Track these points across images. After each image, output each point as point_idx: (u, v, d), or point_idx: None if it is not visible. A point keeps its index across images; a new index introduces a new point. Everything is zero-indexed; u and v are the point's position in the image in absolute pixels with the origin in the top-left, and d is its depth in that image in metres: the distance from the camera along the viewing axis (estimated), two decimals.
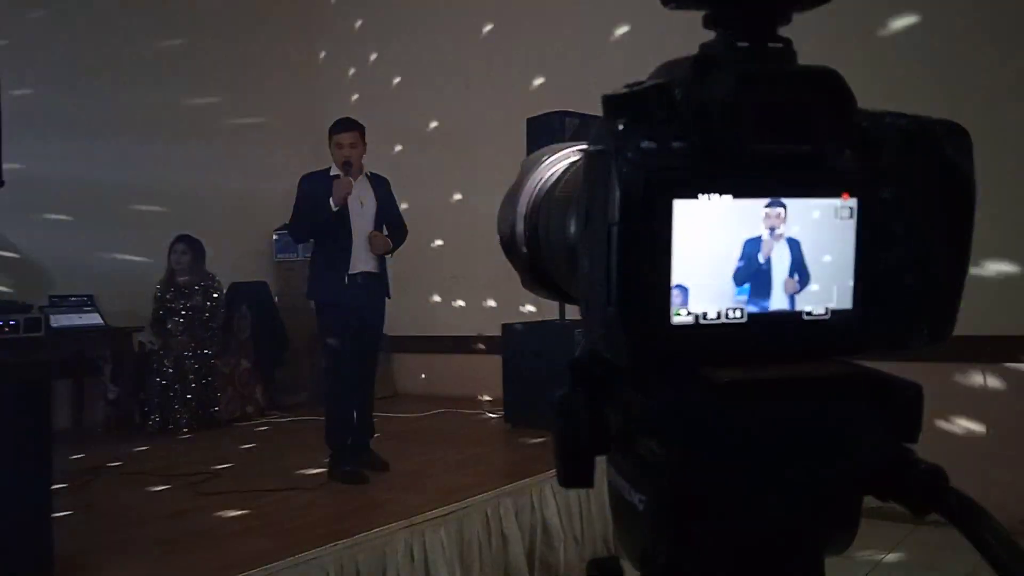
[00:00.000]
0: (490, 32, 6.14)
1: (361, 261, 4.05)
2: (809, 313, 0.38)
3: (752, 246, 0.37)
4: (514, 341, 5.01)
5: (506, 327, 5.10)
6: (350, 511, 3.37)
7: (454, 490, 3.51)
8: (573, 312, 4.40)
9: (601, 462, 0.42)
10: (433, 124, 6.52)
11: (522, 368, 4.82)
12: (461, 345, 6.24)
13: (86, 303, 5.58)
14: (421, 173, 6.02)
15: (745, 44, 0.37)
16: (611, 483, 0.42)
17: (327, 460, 3.96)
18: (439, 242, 6.32)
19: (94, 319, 5.54)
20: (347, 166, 3.97)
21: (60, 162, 5.59)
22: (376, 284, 4.11)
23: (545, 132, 4.55)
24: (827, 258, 0.38)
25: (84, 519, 3.37)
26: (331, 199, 3.91)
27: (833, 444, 0.37)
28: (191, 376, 5.44)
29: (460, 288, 6.26)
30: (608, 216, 0.36)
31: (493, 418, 5.37)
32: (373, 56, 6.88)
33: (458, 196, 6.31)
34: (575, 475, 0.41)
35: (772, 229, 0.37)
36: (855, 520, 0.39)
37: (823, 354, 0.39)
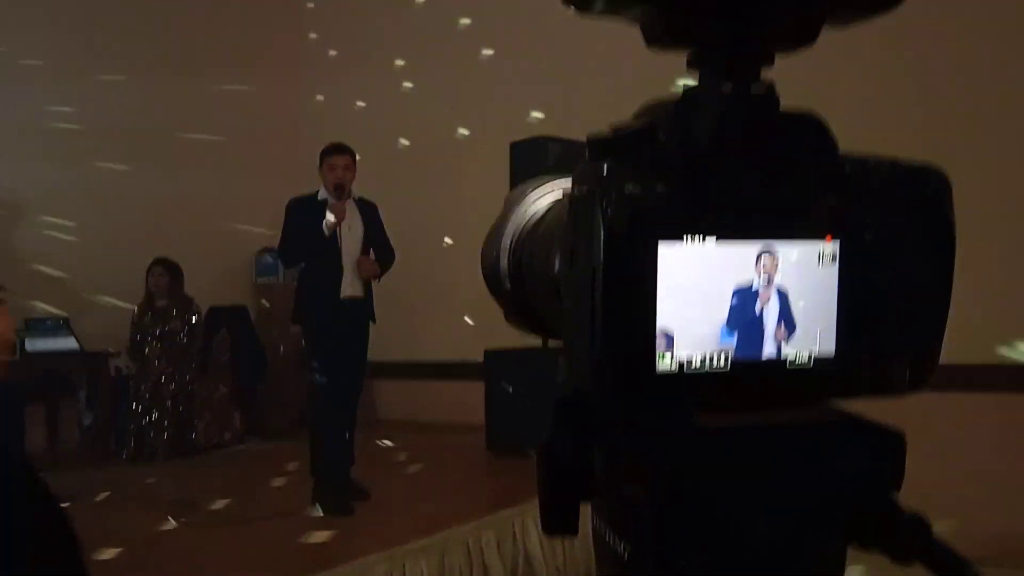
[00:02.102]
0: (480, 58, 6.18)
1: (349, 286, 4.04)
2: (793, 360, 0.38)
3: (744, 294, 0.37)
4: (497, 367, 4.99)
5: (488, 353, 5.08)
6: (330, 541, 3.32)
7: (436, 520, 3.47)
8: (556, 342, 4.40)
9: (585, 507, 0.42)
10: (407, 144, 6.53)
11: (505, 394, 4.80)
12: (443, 371, 6.21)
13: (62, 326, 5.51)
14: (403, 195, 6.02)
15: (728, 87, 0.37)
16: (595, 528, 0.41)
17: (312, 488, 3.91)
18: (422, 266, 6.31)
19: (70, 343, 5.47)
20: (339, 189, 3.97)
21: (34, 183, 5.55)
22: (362, 309, 4.10)
23: (529, 157, 4.57)
24: (811, 302, 0.38)
25: None
26: (323, 223, 3.91)
27: (817, 492, 0.37)
28: (168, 401, 5.37)
29: (443, 313, 6.24)
30: (592, 258, 0.36)
31: (475, 445, 5.34)
32: (354, 79, 6.90)
33: (442, 220, 6.32)
34: (560, 522, 0.40)
35: (767, 279, 0.37)
36: (840, 569, 0.39)
37: (807, 399, 0.39)
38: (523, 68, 5.85)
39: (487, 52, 6.14)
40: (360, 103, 6.77)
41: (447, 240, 6.19)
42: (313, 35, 7.22)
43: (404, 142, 6.51)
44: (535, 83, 5.75)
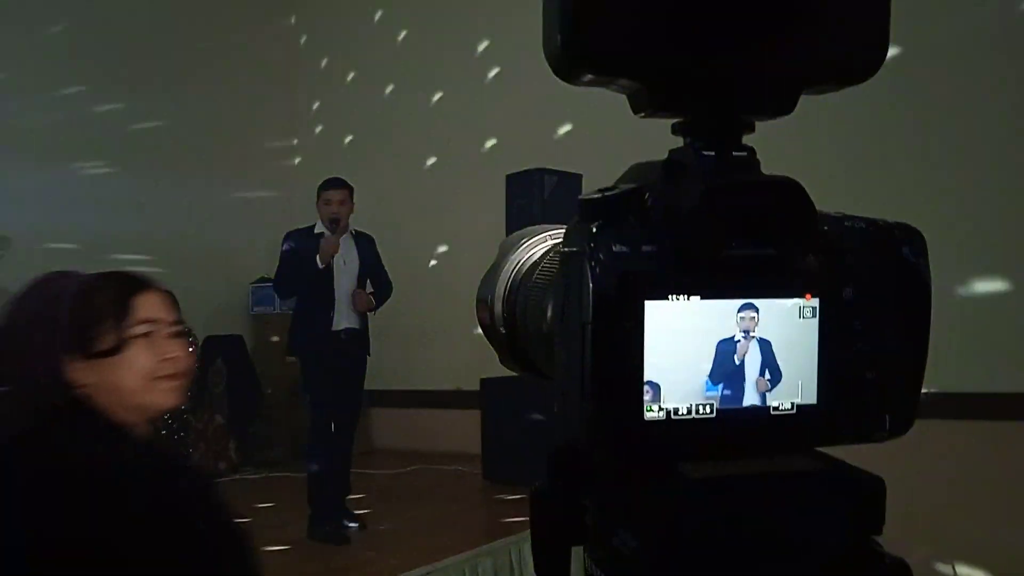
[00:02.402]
0: (476, 86, 6.24)
1: (344, 317, 4.07)
2: (776, 408, 0.40)
3: (726, 346, 0.39)
4: (493, 396, 4.99)
5: (485, 381, 5.08)
6: (326, 571, 3.30)
7: (432, 550, 3.46)
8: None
9: (577, 551, 0.43)
10: (413, 178, 6.59)
11: (501, 423, 4.79)
12: (440, 400, 6.20)
13: None
14: (401, 225, 6.06)
15: (711, 153, 0.39)
16: (587, 570, 0.43)
17: (308, 518, 3.89)
18: (418, 295, 6.33)
19: None
20: (334, 223, 4.01)
21: (36, 211, 5.57)
22: (358, 341, 4.12)
23: (524, 188, 4.61)
24: (792, 353, 0.40)
25: None
26: (317, 257, 3.95)
27: (801, 538, 0.39)
28: (162, 432, 5.35)
29: (439, 342, 6.24)
30: (582, 315, 0.38)
31: (472, 474, 5.32)
32: (351, 106, 6.96)
33: (439, 250, 6.34)
34: (551, 566, 0.42)
35: (747, 332, 0.39)
36: None
37: (790, 447, 0.41)
38: (524, 96, 5.92)
39: (491, 76, 6.20)
40: (351, 135, 6.83)
41: (442, 263, 6.22)
42: (303, 69, 7.30)
43: (401, 171, 6.56)
44: (533, 114, 5.81)
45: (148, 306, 1.27)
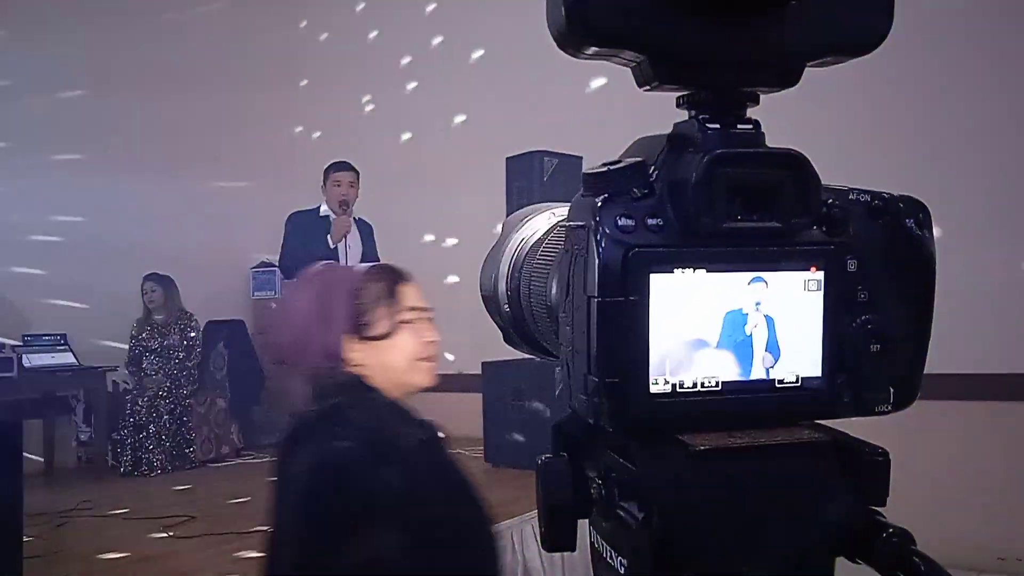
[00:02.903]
0: (473, 68, 6.21)
1: None
2: (781, 381, 0.40)
3: (732, 319, 0.39)
4: (494, 379, 4.99)
5: (486, 364, 5.09)
6: None
7: None
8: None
9: (583, 523, 0.43)
10: (413, 161, 6.57)
11: (502, 406, 4.80)
12: (441, 383, 6.19)
13: (59, 342, 5.51)
14: (401, 208, 6.05)
15: (716, 126, 0.39)
16: (593, 545, 0.43)
17: None
18: (418, 277, 6.32)
19: (67, 358, 5.47)
20: (344, 205, 4.03)
21: (33, 197, 5.57)
22: None
23: (524, 170, 4.59)
24: (797, 327, 0.40)
25: (56, 562, 3.29)
26: (329, 236, 3.97)
27: (805, 508, 0.39)
28: (165, 416, 5.37)
29: (440, 325, 6.23)
30: (588, 289, 0.38)
31: (472, 457, 5.34)
32: (348, 92, 6.93)
33: (440, 232, 6.33)
34: (558, 538, 0.42)
35: (753, 305, 0.39)
36: None
37: (794, 419, 0.41)
38: (520, 79, 5.89)
39: (478, 56, 6.17)
40: (350, 120, 6.80)
41: (443, 246, 6.21)
42: (303, 61, 7.26)
43: (401, 154, 6.54)
44: (531, 94, 5.78)
45: (410, 295, 1.44)
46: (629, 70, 0.40)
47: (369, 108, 6.80)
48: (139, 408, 5.33)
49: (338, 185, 4.05)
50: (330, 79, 7.07)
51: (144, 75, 6.06)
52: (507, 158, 4.83)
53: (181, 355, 5.58)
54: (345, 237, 4.08)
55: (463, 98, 6.23)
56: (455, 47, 6.27)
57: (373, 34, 6.74)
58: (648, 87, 0.40)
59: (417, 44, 6.49)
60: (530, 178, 4.56)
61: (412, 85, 6.51)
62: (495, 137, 5.69)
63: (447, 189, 6.10)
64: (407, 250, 5.63)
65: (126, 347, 5.60)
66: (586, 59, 0.39)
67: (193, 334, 5.65)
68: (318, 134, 6.96)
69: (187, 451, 5.44)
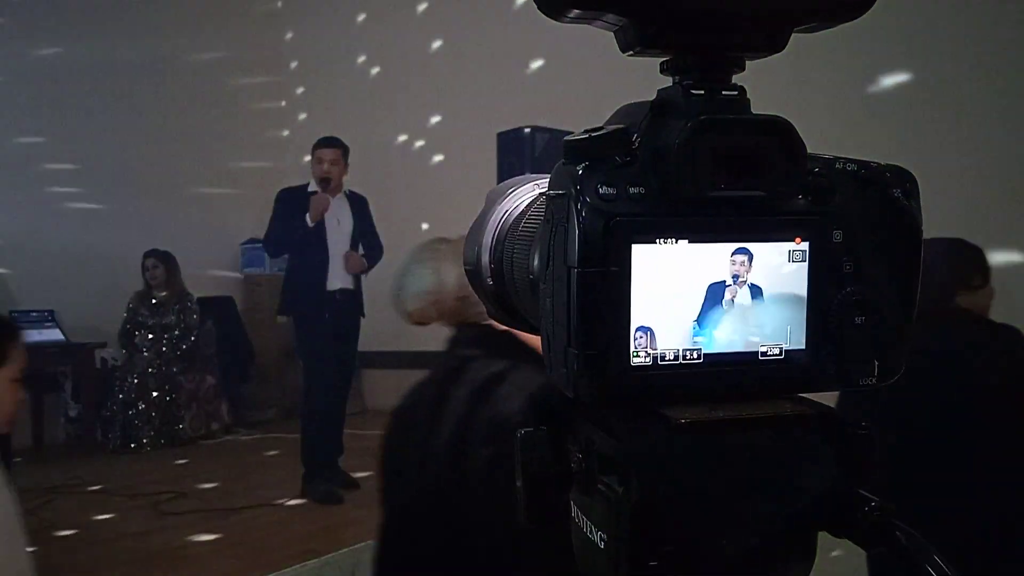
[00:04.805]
0: (463, 45, 6.16)
1: (337, 278, 4.06)
2: (764, 353, 0.39)
3: (715, 291, 0.38)
4: None
5: None
6: (319, 530, 3.33)
7: None
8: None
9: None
10: (402, 137, 6.52)
11: None
12: (432, 361, 6.20)
13: (47, 318, 5.47)
14: (393, 187, 6.02)
15: (700, 92, 0.38)
16: (573, 520, 0.42)
17: (302, 477, 3.92)
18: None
19: (55, 335, 5.44)
20: (324, 182, 3.98)
21: (20, 174, 5.51)
22: (352, 301, 4.12)
23: (516, 147, 4.56)
24: (781, 298, 0.40)
25: (46, 539, 3.29)
26: (307, 215, 3.93)
27: (787, 482, 0.38)
28: (155, 392, 5.35)
29: None
30: (568, 259, 0.37)
31: None
32: (340, 67, 6.87)
33: (432, 210, 6.31)
34: (539, 513, 0.41)
35: (736, 276, 0.38)
36: (811, 553, 0.40)
37: (777, 392, 0.40)
38: (509, 55, 5.84)
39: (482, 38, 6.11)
40: (342, 97, 6.74)
41: (435, 223, 6.19)
42: (289, 35, 7.18)
43: (395, 134, 6.49)
44: (522, 72, 5.74)
45: None
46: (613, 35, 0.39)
47: (362, 86, 6.74)
48: (129, 385, 5.31)
49: (320, 162, 4.01)
50: (318, 58, 7.00)
51: (132, 50, 5.98)
52: (498, 133, 4.79)
53: (176, 335, 5.55)
54: (335, 215, 4.04)
55: (454, 72, 6.17)
56: (451, 20, 6.20)
57: (360, 17, 6.67)
58: (631, 52, 0.38)
59: (409, 24, 6.42)
60: (521, 154, 4.53)
61: (405, 60, 6.45)
62: (488, 113, 5.65)
63: (439, 167, 6.07)
64: (399, 228, 5.61)
65: (117, 325, 5.57)
66: (568, 23, 0.38)
67: (194, 316, 5.62)
68: (310, 110, 6.90)
69: (177, 428, 5.44)
